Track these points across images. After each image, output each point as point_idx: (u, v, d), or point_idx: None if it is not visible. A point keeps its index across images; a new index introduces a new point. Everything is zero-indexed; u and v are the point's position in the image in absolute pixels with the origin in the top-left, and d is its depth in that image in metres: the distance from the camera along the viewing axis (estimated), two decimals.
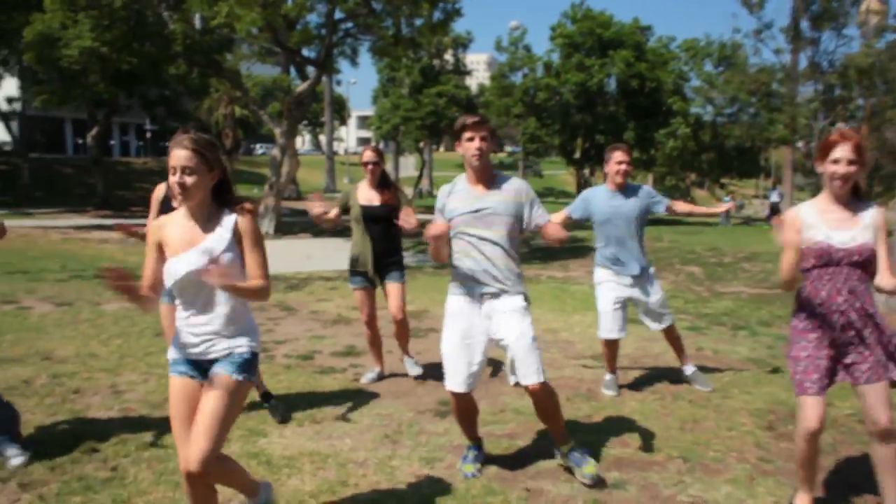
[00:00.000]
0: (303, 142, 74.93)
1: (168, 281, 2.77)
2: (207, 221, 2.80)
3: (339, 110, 55.67)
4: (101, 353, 6.29)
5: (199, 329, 2.78)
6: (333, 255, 15.04)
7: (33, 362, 5.93)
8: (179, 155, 2.68)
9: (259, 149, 64.07)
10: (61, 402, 4.94)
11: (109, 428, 4.39)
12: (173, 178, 2.68)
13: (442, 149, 71.05)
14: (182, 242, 2.78)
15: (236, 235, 2.77)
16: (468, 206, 3.67)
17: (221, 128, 37.51)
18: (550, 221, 3.77)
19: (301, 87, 22.29)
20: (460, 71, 43.73)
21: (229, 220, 2.78)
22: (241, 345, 2.81)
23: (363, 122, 73.52)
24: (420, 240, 16.70)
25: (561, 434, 3.79)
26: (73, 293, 9.36)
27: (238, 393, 2.77)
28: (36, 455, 3.89)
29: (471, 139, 3.65)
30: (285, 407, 4.72)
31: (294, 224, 22.66)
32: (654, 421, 4.65)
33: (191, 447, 2.67)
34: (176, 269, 2.75)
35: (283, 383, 5.47)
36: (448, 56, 43.30)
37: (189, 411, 2.78)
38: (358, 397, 5.16)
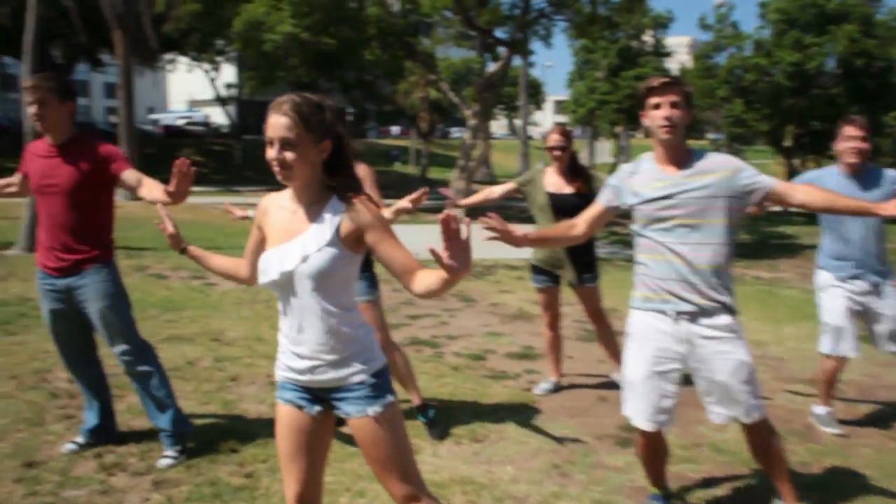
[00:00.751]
0: (499, 126, 75.16)
1: (261, 278, 2.24)
2: (312, 207, 2.20)
3: (535, 94, 55.01)
4: (269, 337, 6.09)
5: (300, 349, 2.22)
6: None
7: (202, 342, 5.83)
8: (277, 124, 2.10)
9: (455, 132, 64.86)
10: (217, 389, 4.72)
11: (255, 427, 4.06)
12: (271, 153, 2.12)
13: (640, 135, 68.58)
14: (279, 231, 2.23)
15: (341, 232, 2.15)
16: (658, 191, 2.86)
17: (417, 111, 38.04)
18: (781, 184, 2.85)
19: (492, 68, 21.90)
20: (660, 53, 41.57)
21: (336, 211, 2.17)
22: (356, 372, 2.20)
23: (559, 106, 72.46)
24: (612, 229, 15.76)
25: (784, 483, 2.97)
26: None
27: (387, 424, 2.19)
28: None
29: (657, 106, 2.84)
30: (444, 421, 4.20)
31: (486, 208, 22.41)
32: None
33: (391, 493, 2.24)
34: (267, 264, 2.21)
35: (448, 388, 4.95)
36: (647, 37, 41.31)
37: (296, 448, 2.25)
38: (528, 412, 4.52)
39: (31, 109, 3.43)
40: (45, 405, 4.34)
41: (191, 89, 61.79)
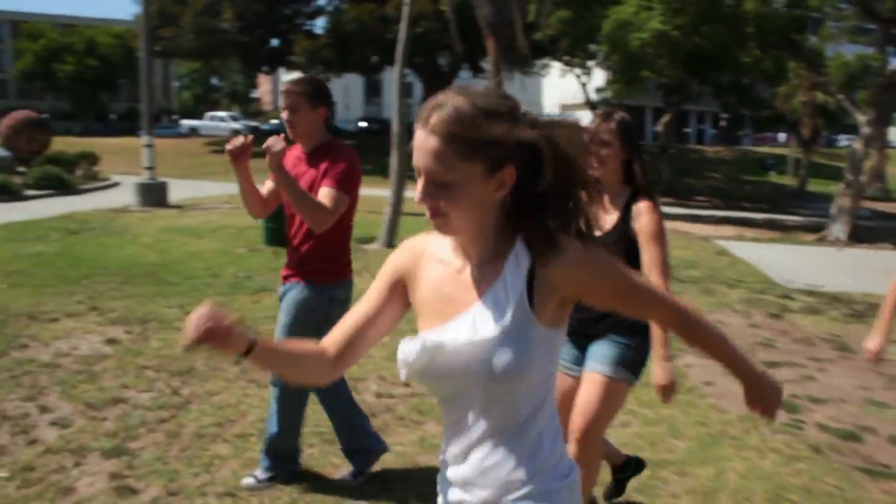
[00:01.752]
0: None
1: (403, 372, 1.47)
2: (486, 265, 1.43)
3: None
4: None
5: (465, 470, 1.48)
6: None
7: None
8: (424, 146, 1.33)
9: (842, 140, 57.97)
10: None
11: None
12: (418, 194, 1.37)
13: None
14: (436, 302, 1.47)
15: (536, 299, 1.38)
16: None
17: (799, 116, 34.51)
18: None
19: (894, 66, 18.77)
20: None
21: (524, 263, 1.39)
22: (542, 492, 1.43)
23: None
24: None
25: None
26: None
27: None
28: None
29: None
30: None
31: (875, 230, 19.25)
32: None
33: None
34: (412, 353, 1.43)
35: (801, 478, 3.83)
36: None
37: None
38: None
39: (283, 115, 3.24)
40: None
41: (563, 93, 63.41)
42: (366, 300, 1.55)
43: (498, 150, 1.33)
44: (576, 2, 23.59)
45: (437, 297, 1.47)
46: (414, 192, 1.37)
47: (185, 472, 3.55)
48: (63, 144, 25.42)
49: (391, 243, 10.64)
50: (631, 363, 2.87)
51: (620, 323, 2.88)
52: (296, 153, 3.37)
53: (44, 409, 4.33)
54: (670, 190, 28.88)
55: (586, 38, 27.48)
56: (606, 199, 2.93)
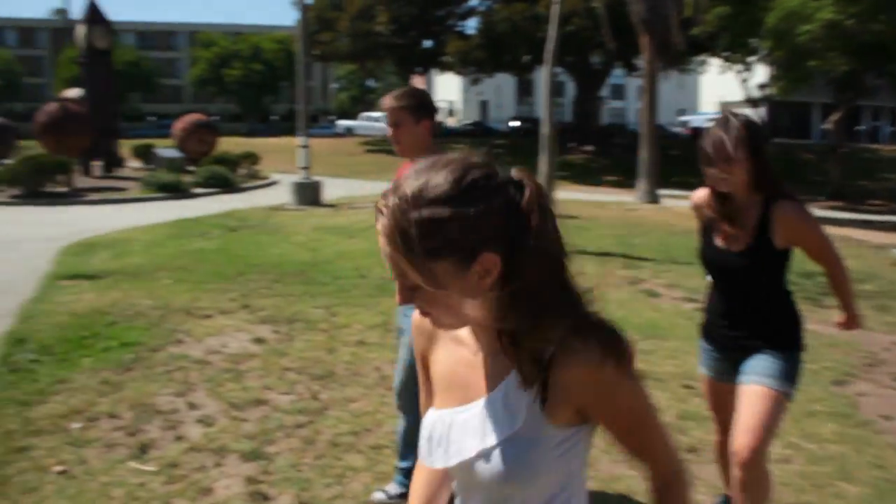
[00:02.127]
0: None
1: (422, 453, 1.34)
2: (496, 356, 1.24)
3: None
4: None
5: None
6: None
7: (672, 388, 4.96)
8: (381, 247, 1.17)
9: None
10: None
11: None
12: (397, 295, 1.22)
13: None
14: (449, 381, 1.32)
15: (549, 404, 1.19)
16: None
17: None
18: None
19: None
20: None
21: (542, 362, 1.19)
22: None
23: None
24: None
25: None
26: None
27: None
28: None
29: None
30: None
31: None
32: None
33: None
34: (431, 433, 1.32)
35: None
36: None
37: None
38: None
39: (388, 132, 3.14)
40: None
41: (722, 91, 60.73)
42: (424, 393, 1.43)
43: (466, 240, 1.11)
44: None
45: (453, 380, 1.31)
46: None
47: (317, 481, 3.52)
48: (229, 145, 26.93)
49: None
50: (791, 374, 2.73)
51: (776, 335, 2.77)
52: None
53: (192, 406, 4.45)
54: (839, 193, 26.87)
55: (747, 33, 26.05)
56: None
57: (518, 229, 1.13)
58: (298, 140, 17.08)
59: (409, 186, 1.12)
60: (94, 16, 22.07)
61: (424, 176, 1.12)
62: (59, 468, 3.70)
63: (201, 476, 3.58)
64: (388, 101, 3.13)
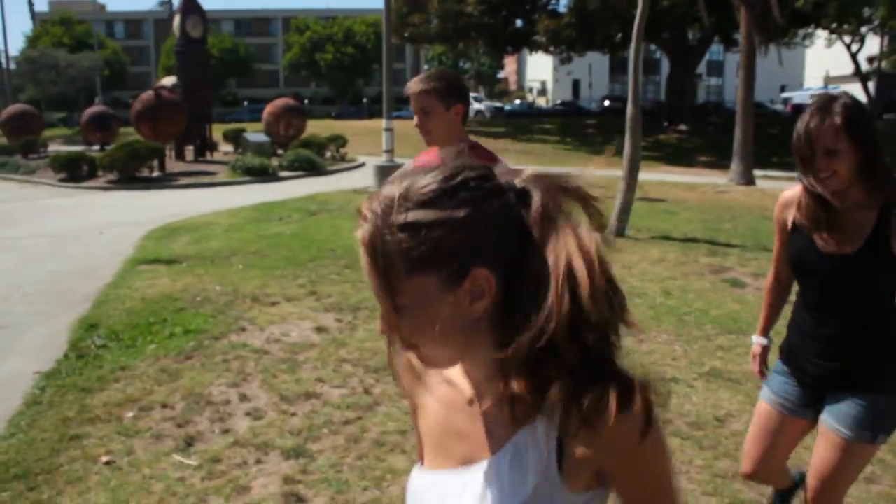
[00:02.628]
0: None
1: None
2: (499, 405, 0.99)
3: None
4: None
5: None
6: None
7: (749, 390, 4.60)
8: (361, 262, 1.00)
9: None
10: (723, 479, 3.55)
11: None
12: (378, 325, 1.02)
13: None
14: (445, 438, 1.09)
15: (566, 469, 0.97)
16: None
17: None
18: None
19: None
20: None
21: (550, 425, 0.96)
22: None
23: None
24: None
25: None
26: None
27: None
28: None
29: None
30: None
31: None
32: None
33: None
34: (412, 489, 1.13)
35: None
36: None
37: None
38: None
39: (415, 120, 2.83)
40: None
41: (828, 65, 57.67)
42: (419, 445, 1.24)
43: (454, 250, 0.91)
44: None
45: (445, 430, 1.08)
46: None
47: (355, 484, 3.37)
48: (318, 128, 27.28)
49: (622, 232, 10.02)
50: (880, 423, 2.25)
51: (880, 371, 2.25)
52: (432, 159, 2.92)
53: (243, 398, 4.39)
54: None
55: (859, 1, 24.55)
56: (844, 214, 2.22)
57: (519, 246, 0.93)
58: (382, 123, 17.05)
59: (394, 188, 0.95)
60: (189, 5, 22.61)
61: (411, 177, 0.96)
62: (106, 458, 3.69)
63: (240, 473, 3.50)
64: (414, 85, 2.81)
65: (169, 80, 22.99)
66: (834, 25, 30.80)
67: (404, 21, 40.45)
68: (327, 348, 5.30)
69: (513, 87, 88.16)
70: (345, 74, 65.61)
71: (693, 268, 8.06)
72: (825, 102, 2.17)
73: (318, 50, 66.22)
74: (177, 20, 22.78)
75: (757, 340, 2.75)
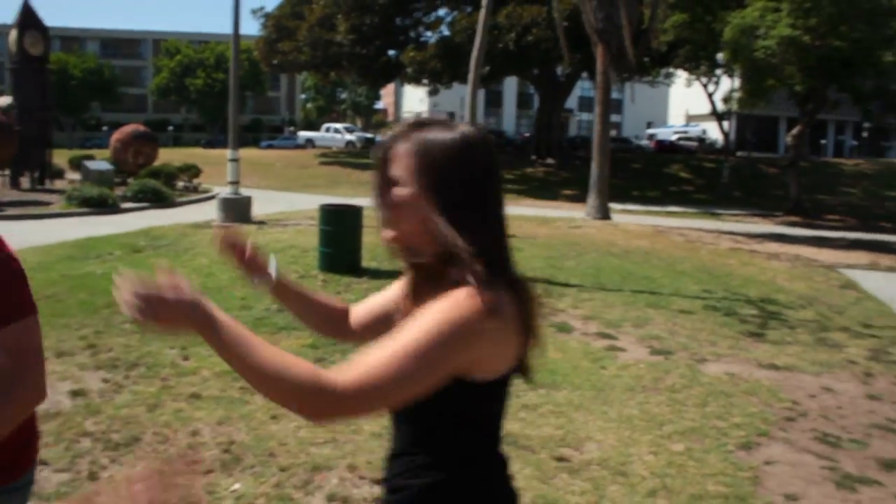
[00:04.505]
0: None
1: None
2: None
3: None
4: (644, 462, 4.20)
5: None
6: None
7: (540, 461, 4.11)
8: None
9: None
10: None
11: None
12: None
13: None
14: None
15: None
16: None
17: None
18: None
19: None
20: None
21: None
22: None
23: None
24: None
25: None
26: (685, 336, 7.41)
27: None
28: None
29: None
30: None
31: None
32: None
33: None
34: None
35: None
36: None
37: None
38: None
39: None
40: None
41: (692, 103, 60.64)
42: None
43: None
44: (693, 4, 21.85)
45: None
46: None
47: None
48: (184, 156, 25.96)
49: None
50: None
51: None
52: None
53: None
54: (798, 208, 26.42)
55: (707, 45, 25.57)
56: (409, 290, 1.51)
57: None
58: (228, 153, 16.19)
59: None
60: (27, 19, 21.04)
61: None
62: None
63: None
64: None
65: (3, 101, 21.23)
66: (687, 66, 32.08)
67: (273, 48, 39.54)
68: (73, 418, 4.51)
69: (391, 117, 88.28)
70: (215, 101, 63.63)
71: None
72: (410, 122, 1.47)
73: (189, 75, 64.05)
74: (13, 35, 21.13)
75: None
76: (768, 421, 5.03)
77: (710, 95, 36.52)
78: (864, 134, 49.67)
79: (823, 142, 50.99)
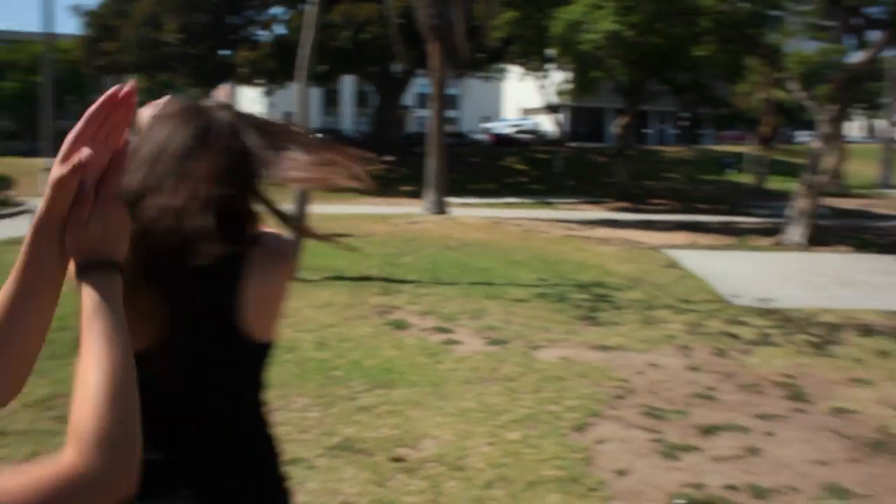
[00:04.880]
0: (855, 127, 65.23)
1: None
2: None
3: None
4: (481, 454, 4.20)
5: None
6: (884, 281, 10.99)
7: (376, 463, 4.02)
8: None
9: (802, 137, 57.37)
10: None
11: None
12: None
13: None
14: None
15: None
16: None
17: (758, 114, 33.81)
18: None
19: (859, 58, 17.90)
20: None
21: None
22: None
23: None
24: None
25: None
26: (520, 324, 7.55)
27: None
28: None
29: None
30: None
31: (833, 230, 18.23)
32: None
33: None
34: None
35: None
36: None
37: None
38: None
39: None
40: None
41: (524, 98, 62.56)
42: None
43: None
44: (525, 2, 22.50)
45: None
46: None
47: None
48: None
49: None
50: None
51: None
52: None
53: None
54: (626, 194, 27.91)
55: (538, 41, 26.45)
56: None
57: None
58: (42, 163, 15.01)
59: None
60: None
61: None
62: None
63: None
64: None
65: None
66: (522, 61, 33.07)
67: (96, 48, 37.26)
68: None
69: None
70: (33, 106, 59.17)
71: (360, 311, 7.60)
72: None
73: (1, 78, 59.17)
74: None
75: None
76: (600, 401, 5.18)
77: (542, 89, 37.89)
78: (683, 123, 53.15)
79: (647, 131, 54.16)
